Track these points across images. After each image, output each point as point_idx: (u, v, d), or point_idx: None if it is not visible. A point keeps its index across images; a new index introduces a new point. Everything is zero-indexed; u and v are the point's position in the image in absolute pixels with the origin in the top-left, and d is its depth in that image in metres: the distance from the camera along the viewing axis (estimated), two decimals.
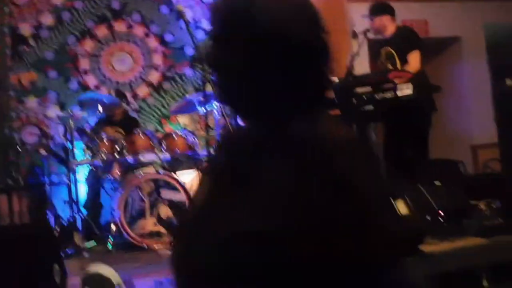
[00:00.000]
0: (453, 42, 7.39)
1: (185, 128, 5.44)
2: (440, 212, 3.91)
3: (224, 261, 0.98)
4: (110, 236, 4.80)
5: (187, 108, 5.51)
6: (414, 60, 4.78)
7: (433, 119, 4.87)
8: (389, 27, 5.07)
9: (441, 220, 3.94)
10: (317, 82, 1.14)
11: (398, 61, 4.82)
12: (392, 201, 3.47)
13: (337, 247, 0.96)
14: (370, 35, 5.13)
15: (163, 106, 6.29)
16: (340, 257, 0.97)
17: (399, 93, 4.33)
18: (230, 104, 1.24)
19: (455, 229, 4.04)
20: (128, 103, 6.11)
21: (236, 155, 1.18)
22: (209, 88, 3.95)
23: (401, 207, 3.46)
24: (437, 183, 4.40)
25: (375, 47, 5.33)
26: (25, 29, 6.05)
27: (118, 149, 4.96)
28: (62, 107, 5.48)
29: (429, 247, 3.67)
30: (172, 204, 4.85)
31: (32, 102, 5.80)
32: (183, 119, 5.81)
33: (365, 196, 1.03)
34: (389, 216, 1.23)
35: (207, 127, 4.49)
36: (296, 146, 1.02)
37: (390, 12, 5.11)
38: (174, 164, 5.17)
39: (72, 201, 4.94)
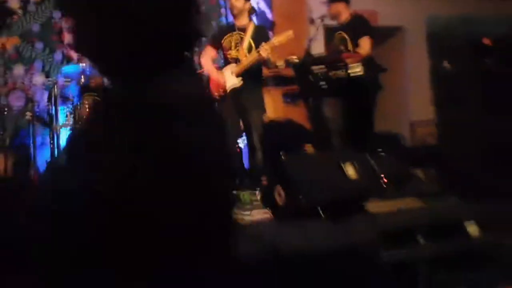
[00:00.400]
0: (398, 31, 7.47)
1: None
2: (383, 177, 3.96)
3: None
4: None
5: None
6: (365, 45, 4.78)
7: (379, 97, 4.88)
8: (344, 14, 5.04)
9: (384, 184, 4.01)
10: (175, 40, 1.02)
11: (350, 45, 4.81)
12: (343, 166, 3.52)
13: (175, 211, 0.92)
14: (326, 21, 5.09)
15: None
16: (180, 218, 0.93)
17: (350, 72, 4.37)
18: (88, 56, 1.15)
19: (395, 192, 4.12)
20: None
21: (94, 117, 1.11)
22: None
23: (350, 172, 3.50)
24: (381, 152, 4.46)
25: (330, 32, 5.32)
26: (13, 2, 5.85)
27: None
28: (47, 75, 5.35)
29: (373, 207, 3.73)
30: None
31: (19, 70, 5.63)
32: None
33: (205, 160, 0.99)
34: (228, 183, 1.15)
35: None
36: (141, 106, 0.94)
37: (346, 0, 5.09)
38: None
39: None
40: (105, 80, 5.75)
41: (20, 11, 5.84)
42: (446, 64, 4.08)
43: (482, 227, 3.79)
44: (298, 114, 5.69)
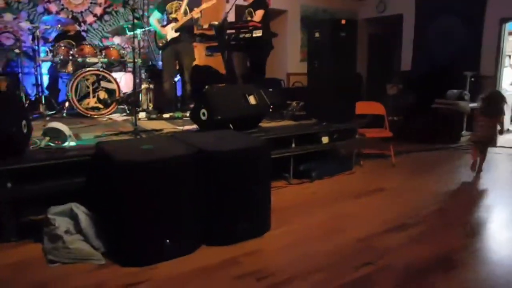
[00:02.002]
0: (283, 12, 7.30)
1: (118, 44, 4.95)
2: (271, 105, 3.94)
3: None
4: (64, 108, 4.35)
5: (119, 31, 5.04)
6: (259, 15, 4.56)
7: (271, 53, 4.77)
8: None
9: (271, 110, 3.99)
10: None
11: (254, 16, 4.58)
12: (247, 96, 3.43)
13: None
14: (237, 2, 4.81)
15: (104, 30, 5.63)
16: None
17: (253, 35, 4.22)
18: None
19: (278, 115, 4.13)
20: (80, 25, 5.38)
21: None
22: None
23: (251, 100, 3.42)
24: (270, 90, 4.41)
25: (239, 8, 5.07)
26: None
27: (71, 53, 4.43)
28: (31, 22, 4.71)
29: (265, 124, 3.71)
30: (107, 90, 4.43)
31: (8, 17, 4.89)
32: (116, 39, 5.26)
33: None
34: None
35: (132, 45, 4.10)
36: None
37: None
38: (110, 67, 4.69)
39: (38, 84, 4.43)
40: (80, 32, 5.29)
41: None
42: (317, 34, 4.01)
43: (330, 137, 3.91)
44: (215, 63, 5.53)
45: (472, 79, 6.37)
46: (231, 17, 5.50)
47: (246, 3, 4.82)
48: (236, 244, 2.40)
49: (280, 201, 3.04)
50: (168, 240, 2.22)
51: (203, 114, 3.20)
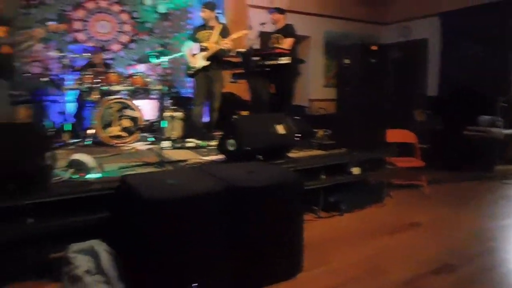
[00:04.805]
0: (306, 38, 7.22)
1: (143, 72, 4.91)
2: (298, 134, 3.76)
3: None
4: (88, 137, 4.28)
5: (144, 59, 5.02)
6: (289, 42, 4.51)
7: (297, 80, 4.65)
8: (281, 22, 4.75)
9: (298, 139, 3.80)
10: None
11: (283, 42, 4.50)
12: (275, 125, 3.26)
13: None
14: (263, 28, 4.73)
15: (129, 58, 5.65)
16: None
17: (280, 61, 4.10)
18: None
19: (306, 145, 3.94)
20: (106, 54, 5.42)
21: None
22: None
23: (280, 130, 3.25)
24: (296, 117, 4.25)
25: (264, 34, 4.99)
26: None
27: (97, 81, 4.41)
28: (60, 51, 4.74)
29: (293, 154, 3.53)
30: (131, 119, 4.36)
31: (39, 46, 4.94)
32: (141, 67, 5.25)
33: None
34: None
35: (157, 72, 4.03)
36: None
37: (283, 12, 4.82)
38: (134, 94, 4.64)
39: (63, 113, 4.47)
40: (106, 60, 5.31)
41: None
42: (346, 61, 3.86)
43: (360, 168, 3.69)
44: (239, 89, 5.45)
45: (504, 104, 6.06)
46: (256, 44, 5.43)
47: (274, 29, 4.76)
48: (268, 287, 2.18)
49: (310, 236, 2.80)
50: (195, 284, 2.03)
51: (231, 144, 3.04)
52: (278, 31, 4.71)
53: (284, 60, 4.07)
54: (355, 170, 3.61)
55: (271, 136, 3.19)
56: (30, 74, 4.71)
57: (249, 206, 2.22)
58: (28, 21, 5.02)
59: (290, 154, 3.47)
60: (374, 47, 3.78)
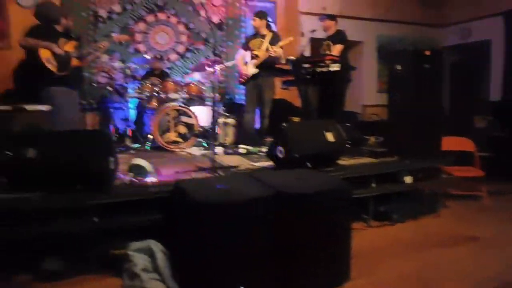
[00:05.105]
0: (358, 44, 7.11)
1: (198, 80, 5.12)
2: (349, 141, 3.72)
3: None
4: (148, 142, 4.55)
5: (200, 68, 5.22)
6: (338, 49, 4.52)
7: (349, 86, 4.61)
8: (332, 28, 4.77)
9: (349, 146, 3.76)
10: None
11: (332, 49, 4.51)
12: (324, 132, 3.26)
13: None
14: (314, 34, 4.73)
15: (185, 67, 5.91)
16: None
17: (330, 68, 4.09)
18: None
19: (356, 152, 3.89)
20: (164, 63, 5.71)
21: None
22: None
23: (329, 137, 3.24)
24: (346, 124, 4.20)
25: (315, 42, 5.01)
26: (102, 12, 5.51)
27: (156, 89, 4.66)
28: (123, 62, 5.08)
29: (343, 162, 3.50)
30: (187, 125, 4.57)
31: (104, 57, 5.33)
32: (197, 75, 5.47)
33: None
34: None
35: (212, 81, 4.23)
36: None
37: (335, 19, 4.83)
38: (190, 101, 4.85)
39: (126, 119, 4.72)
40: (164, 69, 5.61)
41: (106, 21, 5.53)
42: (398, 67, 3.76)
43: (413, 177, 3.58)
44: (290, 96, 5.50)
45: None
46: (307, 51, 5.47)
47: (325, 36, 4.76)
48: None
49: (359, 245, 2.76)
50: (242, 287, 2.10)
51: (280, 151, 3.09)
52: (328, 38, 4.72)
53: (334, 67, 4.05)
54: (408, 179, 3.51)
55: (320, 143, 3.20)
56: (96, 84, 5.08)
57: (296, 213, 2.25)
58: (95, 35, 5.44)
59: (340, 162, 3.44)
60: (427, 52, 3.64)
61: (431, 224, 3.52)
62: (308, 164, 2.97)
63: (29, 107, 3.20)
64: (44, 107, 3.29)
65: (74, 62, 3.73)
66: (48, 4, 4.09)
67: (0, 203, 2.33)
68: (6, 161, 2.63)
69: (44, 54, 3.51)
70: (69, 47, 3.70)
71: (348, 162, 3.51)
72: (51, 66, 3.52)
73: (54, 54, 3.56)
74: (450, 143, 4.20)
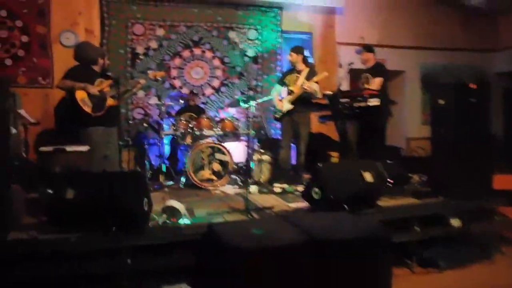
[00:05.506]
0: (400, 73, 7.12)
1: (232, 116, 5.31)
2: (390, 180, 3.71)
3: None
4: (182, 179, 4.73)
5: (235, 103, 5.42)
6: (377, 82, 4.59)
7: (389, 121, 4.64)
8: (371, 61, 4.87)
9: (390, 185, 3.74)
10: None
11: (371, 82, 4.60)
12: (362, 172, 3.29)
13: None
14: (352, 66, 4.82)
15: (220, 102, 6.16)
16: None
17: (369, 103, 4.13)
18: None
19: (398, 192, 3.85)
20: (199, 98, 5.97)
21: None
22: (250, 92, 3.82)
23: (368, 177, 3.26)
24: (388, 161, 4.18)
25: (354, 73, 5.08)
26: (139, 49, 5.91)
27: (191, 126, 4.87)
28: (159, 98, 5.36)
29: (383, 203, 3.49)
30: (221, 162, 4.74)
31: (140, 94, 5.67)
32: (231, 110, 5.69)
33: None
34: None
35: (247, 117, 4.36)
36: None
37: (373, 51, 4.93)
38: (224, 137, 5.02)
39: (160, 156, 4.90)
40: (199, 104, 5.86)
41: (143, 57, 5.92)
42: (441, 101, 3.76)
43: (461, 219, 3.49)
44: (328, 129, 5.55)
45: None
46: (345, 84, 5.55)
47: (364, 67, 4.85)
48: None
49: None
50: None
51: (316, 192, 3.14)
52: (367, 70, 4.78)
53: (373, 102, 4.09)
54: (455, 222, 3.43)
55: (357, 184, 3.22)
56: (132, 120, 5.38)
57: (332, 260, 2.27)
58: (133, 72, 5.82)
59: (380, 203, 3.43)
60: (473, 85, 3.62)
61: (484, 272, 3.38)
62: (345, 206, 2.99)
63: (69, 148, 3.45)
64: (82, 148, 3.54)
65: (110, 101, 3.95)
66: (85, 45, 4.39)
67: (42, 243, 2.53)
68: (47, 200, 2.88)
69: (80, 95, 3.78)
70: (105, 86, 3.94)
71: (389, 203, 3.49)
72: (87, 107, 3.78)
73: (89, 94, 3.81)
74: (504, 181, 4.06)
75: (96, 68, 4.07)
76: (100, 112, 3.85)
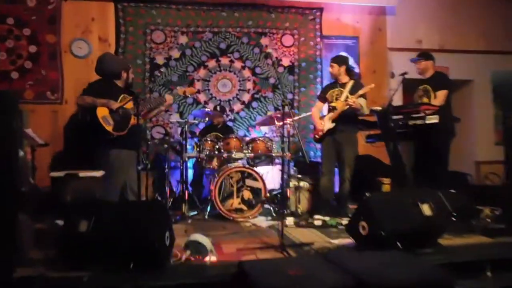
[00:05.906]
0: (467, 84, 7.07)
1: (265, 135, 5.42)
2: (454, 214, 3.69)
3: None
4: (207, 208, 4.85)
5: (268, 121, 5.52)
6: (441, 97, 4.61)
7: (453, 141, 4.65)
8: (430, 70, 4.91)
9: (455, 220, 3.73)
10: None
11: (432, 95, 4.66)
12: (419, 204, 3.31)
13: None
14: (406, 76, 4.86)
15: (251, 118, 6.30)
16: None
17: (427, 121, 4.15)
18: None
19: (465, 228, 3.83)
20: (226, 115, 6.14)
21: None
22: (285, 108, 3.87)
23: (426, 210, 3.28)
24: (451, 190, 4.17)
25: (408, 85, 5.09)
26: (159, 60, 6.17)
27: (217, 147, 5.02)
28: (181, 115, 5.57)
29: (445, 241, 3.48)
30: (252, 190, 4.86)
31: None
32: (264, 129, 5.82)
33: None
34: None
35: (282, 136, 4.40)
36: None
37: (432, 59, 4.95)
38: (256, 160, 5.14)
39: (183, 181, 5.00)
40: (227, 121, 6.02)
41: (163, 69, 6.19)
42: None
43: None
44: (378, 151, 5.56)
45: None
46: (398, 98, 5.57)
47: (421, 77, 4.90)
48: None
49: None
50: None
51: (363, 227, 3.18)
52: (426, 81, 4.80)
53: (433, 119, 4.11)
54: None
55: (413, 218, 3.23)
56: (151, 141, 5.55)
57: None
58: (153, 86, 6.07)
59: (441, 241, 3.43)
60: None
61: None
62: (398, 244, 3.01)
63: (82, 174, 3.64)
64: (97, 173, 3.71)
65: (133, 120, 3.98)
66: (109, 57, 4.43)
67: (50, 282, 2.69)
68: (56, 232, 3.05)
69: (101, 113, 3.89)
70: (128, 103, 4.01)
71: (453, 242, 3.48)
72: (107, 125, 3.87)
73: (111, 111, 3.93)
74: None
75: (119, 83, 4.18)
76: (122, 132, 3.94)
